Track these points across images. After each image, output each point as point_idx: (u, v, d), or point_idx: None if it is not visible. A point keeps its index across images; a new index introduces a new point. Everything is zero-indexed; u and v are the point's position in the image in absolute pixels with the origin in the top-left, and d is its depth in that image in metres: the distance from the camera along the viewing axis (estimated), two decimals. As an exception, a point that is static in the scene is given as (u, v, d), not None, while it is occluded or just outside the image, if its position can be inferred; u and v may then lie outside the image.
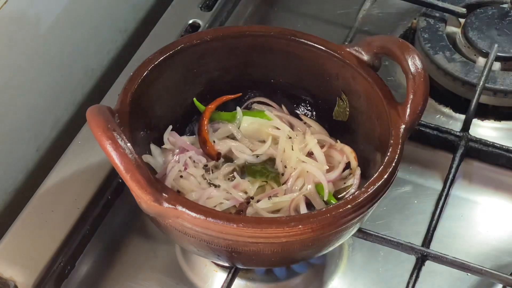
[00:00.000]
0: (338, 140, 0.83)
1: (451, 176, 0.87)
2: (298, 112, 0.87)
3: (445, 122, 0.96)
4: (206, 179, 0.79)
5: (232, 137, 0.83)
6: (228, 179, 0.80)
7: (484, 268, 0.79)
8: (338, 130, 0.84)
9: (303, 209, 0.77)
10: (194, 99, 0.84)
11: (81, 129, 0.90)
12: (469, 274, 0.80)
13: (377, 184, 0.72)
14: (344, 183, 0.80)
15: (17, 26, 0.85)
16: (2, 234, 0.81)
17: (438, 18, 1.02)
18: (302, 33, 0.83)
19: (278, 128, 0.83)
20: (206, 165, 0.80)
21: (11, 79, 0.86)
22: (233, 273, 0.78)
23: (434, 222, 0.83)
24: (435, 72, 0.97)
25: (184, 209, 0.68)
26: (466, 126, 0.92)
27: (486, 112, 0.96)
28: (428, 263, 0.80)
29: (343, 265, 0.84)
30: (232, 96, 0.85)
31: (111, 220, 0.86)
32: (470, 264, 0.79)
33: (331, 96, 0.84)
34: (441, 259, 0.80)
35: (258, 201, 0.77)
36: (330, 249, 0.75)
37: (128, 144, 0.68)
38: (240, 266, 0.78)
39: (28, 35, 0.88)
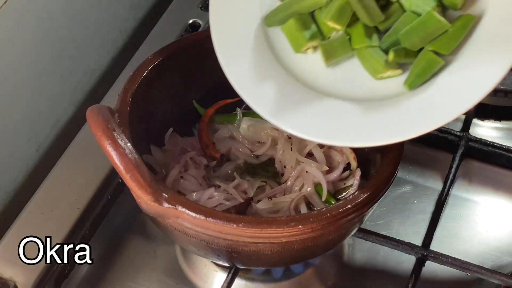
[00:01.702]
0: (338, 140, 0.83)
1: (451, 176, 0.87)
2: (298, 112, 0.87)
3: (445, 122, 0.96)
4: (206, 180, 0.79)
5: (232, 138, 0.83)
6: (226, 179, 0.79)
7: (484, 268, 0.79)
8: (338, 130, 0.84)
9: (303, 209, 0.77)
10: (194, 102, 0.84)
11: (81, 129, 0.90)
12: (469, 274, 0.80)
13: (377, 184, 0.72)
14: (344, 183, 0.80)
15: (17, 25, 0.85)
16: (2, 234, 0.81)
17: (438, 18, 1.01)
18: (302, 33, 0.83)
19: (277, 129, 0.83)
20: (207, 165, 0.80)
21: (11, 79, 0.86)
22: (233, 273, 0.79)
23: (434, 222, 0.83)
24: (435, 72, 0.97)
25: (184, 209, 0.68)
26: (466, 126, 0.91)
27: (486, 112, 0.96)
28: (428, 263, 0.80)
29: (343, 265, 0.84)
30: (232, 100, 0.85)
31: (111, 220, 0.86)
32: (470, 264, 0.79)
33: (331, 96, 0.84)
34: (441, 259, 0.80)
35: (258, 201, 0.77)
36: (330, 249, 0.75)
37: (128, 144, 0.68)
38: (240, 266, 0.78)
39: (28, 35, 0.88)
